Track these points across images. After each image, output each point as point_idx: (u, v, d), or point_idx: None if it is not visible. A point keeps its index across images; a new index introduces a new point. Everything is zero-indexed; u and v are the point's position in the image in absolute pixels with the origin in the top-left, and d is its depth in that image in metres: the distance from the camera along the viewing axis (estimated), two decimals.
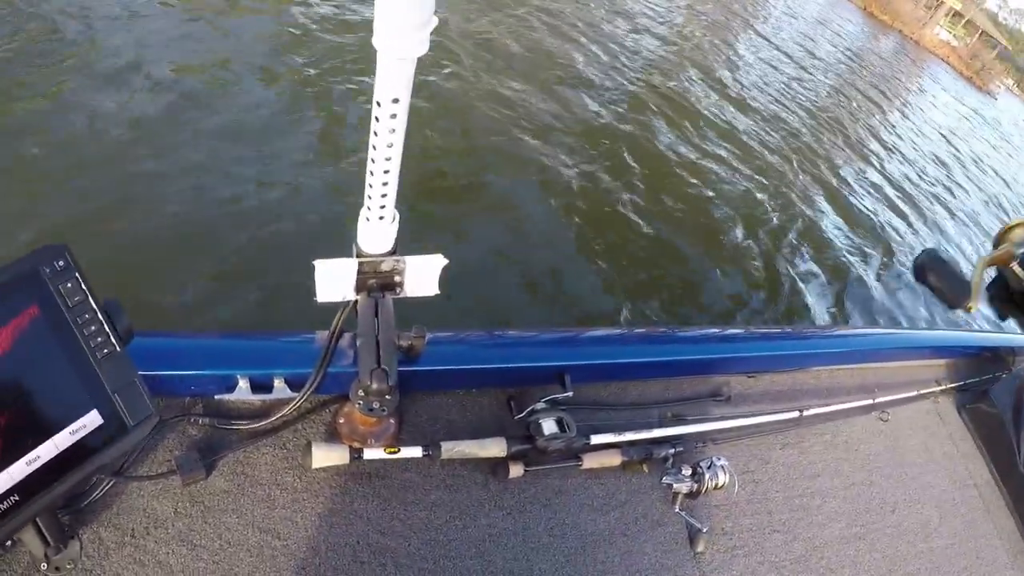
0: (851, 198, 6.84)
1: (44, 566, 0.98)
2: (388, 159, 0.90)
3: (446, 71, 5.18)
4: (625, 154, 5.23)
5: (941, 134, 13.17)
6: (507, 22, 6.63)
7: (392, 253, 1.06)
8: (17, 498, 0.68)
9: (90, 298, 0.72)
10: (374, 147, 0.89)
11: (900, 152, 9.87)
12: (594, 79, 6.47)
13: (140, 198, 3.08)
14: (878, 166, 8.57)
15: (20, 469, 0.67)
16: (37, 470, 0.69)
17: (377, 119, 0.85)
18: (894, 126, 11.58)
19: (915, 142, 11.11)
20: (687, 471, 1.37)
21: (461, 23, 6.10)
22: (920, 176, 9.18)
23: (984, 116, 21.22)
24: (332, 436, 1.21)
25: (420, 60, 0.79)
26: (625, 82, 6.72)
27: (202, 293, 2.74)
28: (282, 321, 2.68)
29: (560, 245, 3.90)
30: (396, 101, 0.82)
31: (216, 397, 1.17)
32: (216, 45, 4.37)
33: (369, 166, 0.92)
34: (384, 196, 0.96)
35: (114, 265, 2.71)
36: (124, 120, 3.48)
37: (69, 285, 0.70)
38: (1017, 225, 0.91)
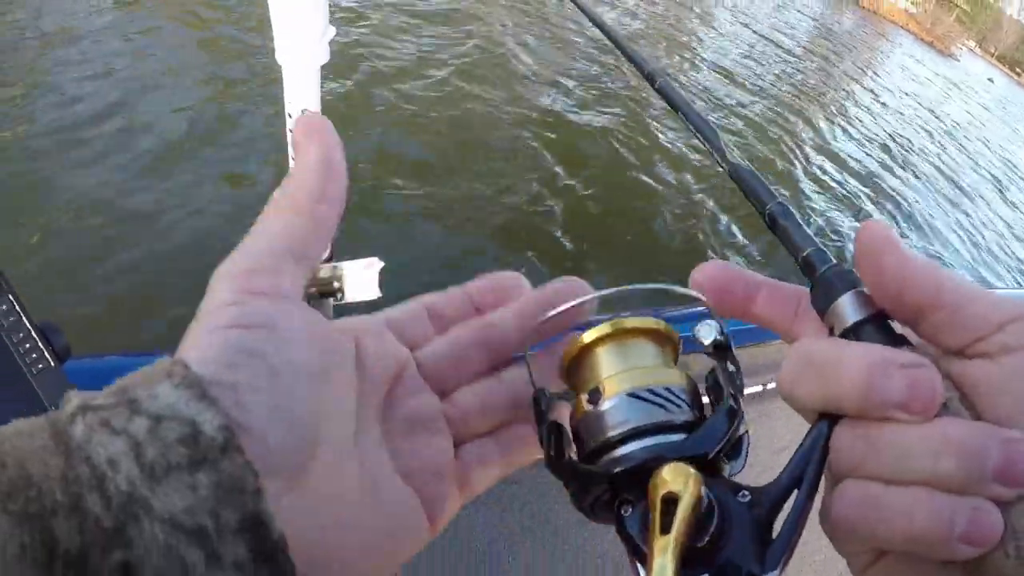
0: (824, 168, 6.83)
1: None
2: None
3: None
4: (598, 138, 5.19)
5: (909, 97, 13.31)
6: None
7: (329, 260, 1.03)
8: None
9: (23, 318, 0.75)
10: (292, 159, 0.89)
11: (869, 119, 9.95)
12: (564, 66, 6.42)
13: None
14: (849, 135, 8.61)
15: None
16: None
17: (290, 131, 0.85)
18: (864, 95, 11.68)
19: (884, 108, 11.22)
20: None
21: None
22: (890, 143, 9.26)
23: (948, 77, 21.51)
24: None
25: None
26: (594, 65, 6.66)
27: (170, 316, 2.71)
28: None
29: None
30: (305, 112, 0.83)
31: None
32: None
33: None
34: None
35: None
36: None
37: (3, 307, 0.75)
38: (615, 334, 0.34)
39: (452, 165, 4.31)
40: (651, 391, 0.30)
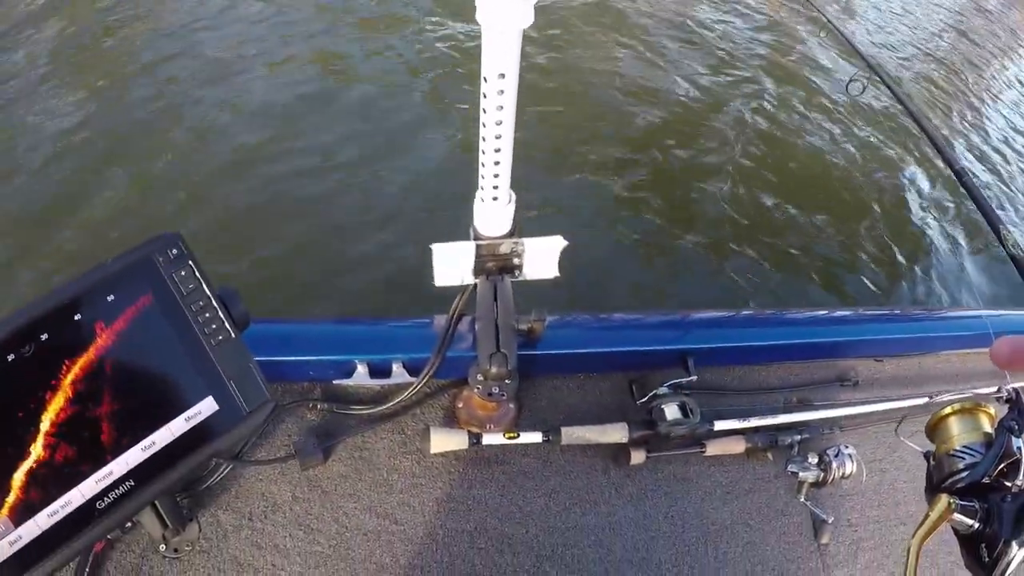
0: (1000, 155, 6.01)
1: (163, 547, 1.01)
2: (498, 137, 0.87)
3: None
4: (751, 117, 4.85)
5: None
6: None
7: (511, 235, 1.04)
8: (133, 483, 0.68)
9: (204, 285, 0.72)
10: (483, 125, 0.86)
11: None
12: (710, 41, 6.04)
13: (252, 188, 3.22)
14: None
15: (135, 455, 0.68)
16: (153, 456, 0.69)
17: (484, 95, 0.82)
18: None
19: None
20: (813, 459, 1.29)
21: None
22: None
23: None
24: (451, 421, 1.20)
25: None
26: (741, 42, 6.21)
27: (316, 282, 2.82)
28: (398, 307, 2.71)
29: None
30: (503, 76, 0.79)
31: (334, 382, 1.19)
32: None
33: (480, 145, 0.89)
34: (497, 176, 0.93)
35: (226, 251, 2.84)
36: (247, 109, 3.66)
37: (183, 273, 0.71)
38: (951, 414, 0.71)
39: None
40: (956, 450, 0.64)
